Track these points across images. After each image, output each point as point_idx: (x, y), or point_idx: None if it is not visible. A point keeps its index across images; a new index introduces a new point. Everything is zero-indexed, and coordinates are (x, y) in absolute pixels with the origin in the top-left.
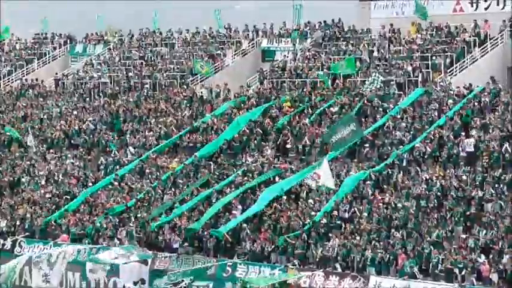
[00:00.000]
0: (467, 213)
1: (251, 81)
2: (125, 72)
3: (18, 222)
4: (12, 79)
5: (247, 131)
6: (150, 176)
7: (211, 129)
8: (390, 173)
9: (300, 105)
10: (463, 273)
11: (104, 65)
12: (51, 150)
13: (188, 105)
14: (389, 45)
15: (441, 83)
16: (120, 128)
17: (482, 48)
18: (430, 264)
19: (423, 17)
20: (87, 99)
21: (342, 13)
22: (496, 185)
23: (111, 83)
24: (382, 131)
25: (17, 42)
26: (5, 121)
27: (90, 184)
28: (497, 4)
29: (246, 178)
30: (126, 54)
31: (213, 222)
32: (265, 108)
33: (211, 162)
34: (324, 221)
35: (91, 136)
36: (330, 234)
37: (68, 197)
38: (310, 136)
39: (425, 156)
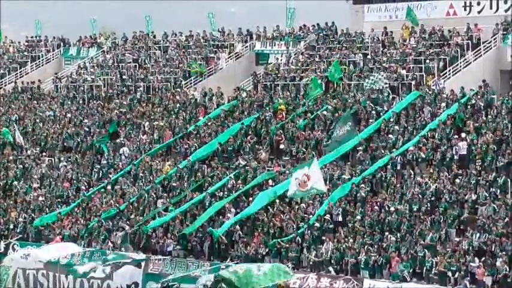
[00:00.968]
0: (461, 216)
1: (245, 85)
2: (118, 76)
3: (11, 226)
4: (5, 82)
5: (242, 133)
6: (143, 179)
7: (206, 133)
8: (384, 176)
9: (294, 109)
10: (456, 276)
11: (97, 68)
12: (44, 154)
13: (182, 108)
14: (382, 49)
15: (432, 86)
16: (114, 131)
17: (476, 52)
18: (424, 268)
19: (414, 22)
20: (81, 102)
21: (335, 17)
22: (490, 188)
23: (104, 86)
24: (376, 134)
25: (10, 45)
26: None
27: (83, 188)
28: (490, 7)
29: (239, 181)
30: (119, 57)
31: (206, 226)
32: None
33: (204, 166)
34: (318, 224)
35: (85, 139)
36: (324, 238)
37: (61, 200)
38: (303, 140)
39: (419, 160)
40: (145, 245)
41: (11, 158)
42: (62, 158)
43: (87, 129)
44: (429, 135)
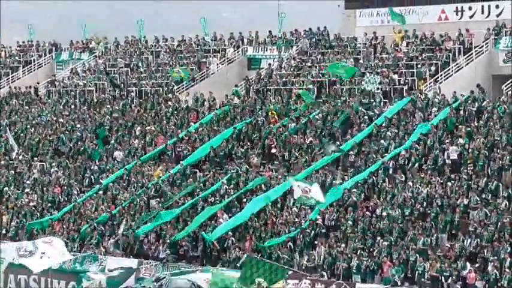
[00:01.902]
0: (453, 221)
1: (239, 89)
2: (108, 81)
3: (3, 231)
4: None
5: (233, 138)
6: (135, 184)
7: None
8: (376, 181)
9: (285, 114)
10: (448, 281)
11: (89, 73)
12: (35, 159)
13: (174, 113)
14: (374, 54)
15: (426, 91)
16: (106, 136)
17: (467, 57)
18: (416, 272)
19: (402, 22)
20: (73, 107)
21: (327, 21)
22: (481, 193)
23: (96, 91)
24: (368, 139)
25: (2, 50)
26: None
27: (75, 192)
28: (482, 12)
29: (231, 186)
30: (111, 62)
31: (198, 231)
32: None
33: (197, 170)
34: (310, 229)
35: (76, 144)
36: (316, 242)
37: (52, 205)
38: (294, 145)
39: (410, 164)
40: (138, 251)
41: (2, 163)
42: (53, 164)
43: (79, 134)
44: (421, 140)
